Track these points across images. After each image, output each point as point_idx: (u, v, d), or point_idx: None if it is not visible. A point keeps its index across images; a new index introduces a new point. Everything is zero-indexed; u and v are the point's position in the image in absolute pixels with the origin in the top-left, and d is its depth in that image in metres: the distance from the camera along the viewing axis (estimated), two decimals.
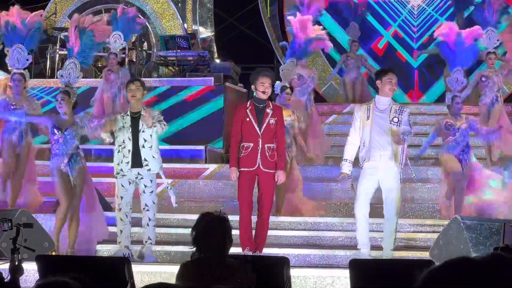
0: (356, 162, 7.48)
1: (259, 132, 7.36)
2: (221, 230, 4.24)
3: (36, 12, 9.63)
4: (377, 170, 7.31)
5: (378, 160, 7.29)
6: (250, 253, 7.11)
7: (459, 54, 9.58)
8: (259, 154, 7.33)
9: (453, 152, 8.96)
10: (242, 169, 7.40)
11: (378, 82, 7.46)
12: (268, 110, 7.40)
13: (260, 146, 7.34)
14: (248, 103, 7.51)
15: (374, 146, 7.29)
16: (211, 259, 4.16)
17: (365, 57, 14.39)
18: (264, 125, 7.37)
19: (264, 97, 7.41)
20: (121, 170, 7.75)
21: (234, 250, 7.53)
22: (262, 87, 7.39)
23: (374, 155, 7.29)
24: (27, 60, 9.05)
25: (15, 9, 9.43)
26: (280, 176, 7.38)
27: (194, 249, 4.26)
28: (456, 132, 8.97)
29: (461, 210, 8.72)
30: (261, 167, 7.33)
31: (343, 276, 6.42)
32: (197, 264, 4.19)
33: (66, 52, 13.29)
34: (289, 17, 10.51)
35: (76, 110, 8.40)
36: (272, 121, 7.38)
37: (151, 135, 7.75)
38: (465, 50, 9.53)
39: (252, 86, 7.48)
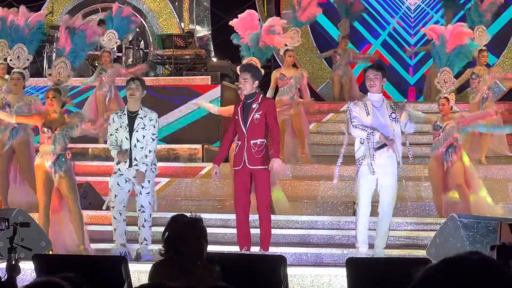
0: (353, 160, 7.43)
1: (244, 130, 7.32)
2: (197, 233, 4.22)
3: (40, 12, 9.65)
4: (375, 167, 7.19)
5: (378, 157, 7.16)
6: (248, 253, 7.10)
7: (450, 56, 9.32)
8: (245, 152, 7.27)
9: (436, 151, 8.94)
10: (234, 168, 7.41)
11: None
12: (254, 105, 7.31)
13: (246, 143, 7.27)
14: (241, 101, 7.51)
15: (374, 143, 7.20)
16: (185, 261, 4.16)
17: (353, 50, 14.37)
18: (249, 121, 7.29)
19: (242, 92, 7.42)
20: (119, 169, 7.73)
21: (233, 248, 7.58)
22: (240, 84, 7.45)
23: (373, 152, 7.19)
24: (28, 59, 9.05)
25: (22, 9, 9.43)
26: (274, 164, 7.18)
27: (163, 248, 4.27)
28: (441, 132, 8.95)
29: (442, 210, 8.78)
30: (248, 165, 7.25)
31: (340, 275, 6.42)
32: (171, 265, 4.18)
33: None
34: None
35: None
36: (257, 115, 7.25)
37: (143, 136, 7.72)
38: (456, 52, 9.24)
39: None
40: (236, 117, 7.37)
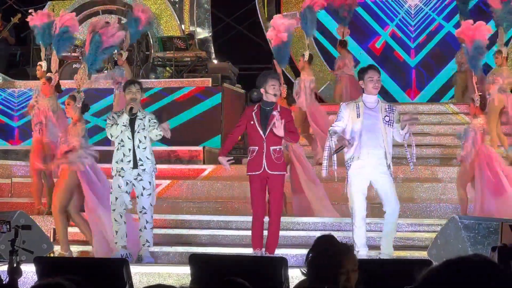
0: (342, 162, 7.36)
1: (263, 136, 7.33)
2: (350, 266, 3.54)
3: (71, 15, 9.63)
4: (365, 168, 7.16)
5: (366, 158, 7.15)
6: (259, 254, 7.15)
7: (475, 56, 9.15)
8: (264, 157, 7.30)
9: None
10: (250, 173, 7.41)
11: (361, 82, 7.36)
12: (274, 113, 7.30)
13: (265, 149, 7.30)
14: (256, 106, 7.50)
15: (364, 145, 7.14)
16: None
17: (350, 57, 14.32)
18: (269, 128, 7.30)
19: (275, 99, 7.42)
20: (122, 169, 7.73)
21: (244, 250, 7.61)
22: (273, 90, 7.37)
23: (362, 153, 7.15)
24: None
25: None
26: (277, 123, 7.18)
27: (305, 271, 3.58)
28: None
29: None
30: (267, 170, 7.30)
31: None
32: None
33: (64, 54, 13.39)
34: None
35: None
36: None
37: (145, 137, 7.76)
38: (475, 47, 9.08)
39: (262, 89, 7.44)
40: (252, 122, 7.37)
